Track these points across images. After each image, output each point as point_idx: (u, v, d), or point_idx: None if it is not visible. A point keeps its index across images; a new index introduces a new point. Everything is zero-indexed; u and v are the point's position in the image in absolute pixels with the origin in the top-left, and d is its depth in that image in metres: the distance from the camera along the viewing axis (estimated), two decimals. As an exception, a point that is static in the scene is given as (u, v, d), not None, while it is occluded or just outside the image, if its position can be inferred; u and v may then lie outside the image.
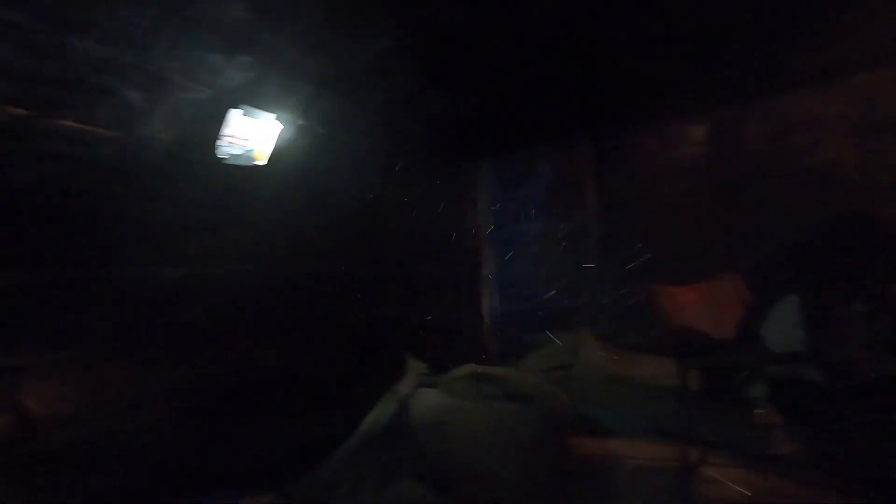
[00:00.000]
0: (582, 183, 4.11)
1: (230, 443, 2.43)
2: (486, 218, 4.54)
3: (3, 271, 1.73)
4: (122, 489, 2.02)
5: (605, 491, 2.36)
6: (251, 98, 2.28)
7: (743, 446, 2.09)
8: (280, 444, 2.58)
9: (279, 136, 2.46)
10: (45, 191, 1.79)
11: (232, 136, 2.27)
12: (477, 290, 4.44)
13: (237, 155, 2.33)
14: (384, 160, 3.41)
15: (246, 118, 2.29)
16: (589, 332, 3.66)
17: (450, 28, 2.45)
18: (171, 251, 2.28)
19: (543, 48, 2.73)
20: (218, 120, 2.20)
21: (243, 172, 2.43)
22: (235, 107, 2.23)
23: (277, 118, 2.43)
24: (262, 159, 2.45)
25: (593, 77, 3.13)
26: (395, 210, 3.61)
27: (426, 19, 2.33)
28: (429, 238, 4.01)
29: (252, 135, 2.36)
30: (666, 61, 2.93)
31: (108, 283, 2.06)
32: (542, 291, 4.28)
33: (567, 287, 4.15)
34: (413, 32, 2.42)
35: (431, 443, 2.31)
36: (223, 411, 2.43)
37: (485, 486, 2.28)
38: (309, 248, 2.92)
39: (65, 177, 1.83)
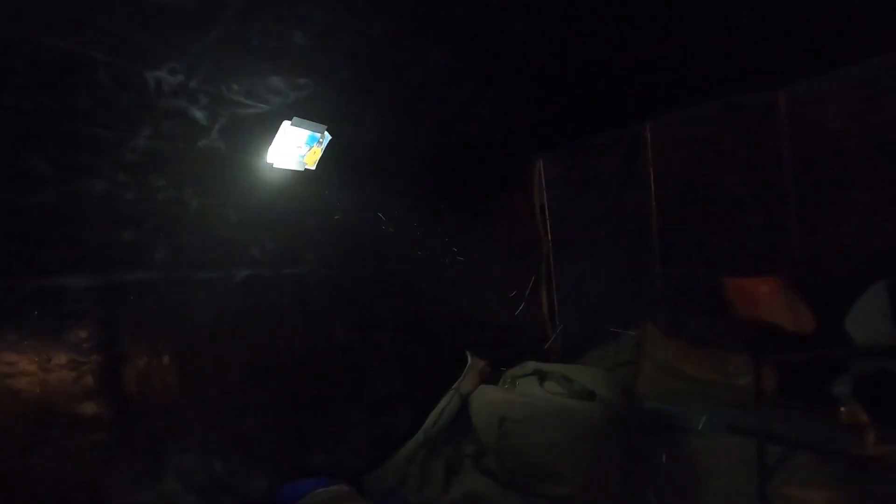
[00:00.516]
0: (645, 172, 3.97)
1: (305, 433, 2.59)
2: (547, 214, 4.51)
3: (113, 273, 1.98)
4: (208, 473, 2.22)
5: (677, 492, 2.30)
6: (304, 111, 2.43)
7: (826, 446, 1.96)
8: (351, 437, 2.72)
9: (328, 143, 2.62)
10: (123, 197, 2.00)
11: (283, 145, 2.45)
12: (538, 286, 4.42)
13: (288, 161, 2.51)
14: (440, 162, 3.49)
15: (297, 128, 2.45)
16: (655, 327, 3.56)
17: (503, 37, 2.48)
18: (236, 254, 2.47)
19: (599, 41, 2.69)
20: (271, 130, 2.37)
21: (295, 177, 2.60)
22: (288, 118, 2.39)
23: (328, 129, 2.58)
24: (312, 165, 2.62)
25: (654, 65, 3.02)
26: (454, 209, 3.68)
27: (478, 34, 2.39)
28: (488, 235, 4.06)
29: (302, 142, 2.54)
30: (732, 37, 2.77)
31: (188, 284, 2.26)
32: (604, 285, 4.19)
33: (631, 281, 4.04)
34: (465, 49, 2.49)
35: (494, 439, 2.36)
36: (296, 402, 2.59)
37: (551, 482, 2.30)
38: (368, 249, 3.05)
39: (137, 186, 2.04)
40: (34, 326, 1.73)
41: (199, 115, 2.10)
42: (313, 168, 2.63)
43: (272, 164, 2.45)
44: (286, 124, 2.39)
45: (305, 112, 2.44)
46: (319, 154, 2.62)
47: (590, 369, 2.95)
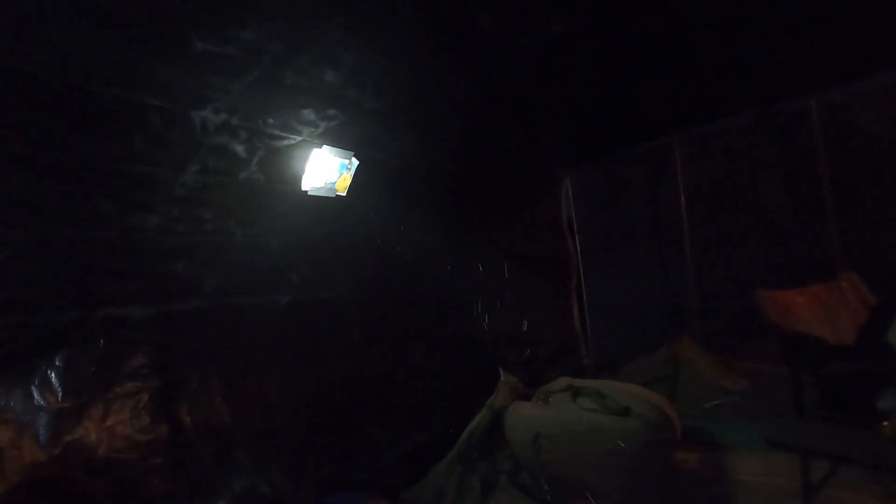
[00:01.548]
0: (675, 184, 3.95)
1: (344, 449, 2.67)
2: (575, 229, 4.53)
3: (163, 303, 2.13)
4: (253, 491, 2.31)
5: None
6: (334, 140, 2.57)
7: (871, 462, 1.90)
8: (388, 453, 2.78)
9: (357, 169, 2.74)
10: (175, 230, 2.15)
11: (315, 172, 2.58)
12: (569, 302, 4.42)
13: (320, 188, 2.64)
14: (466, 183, 3.58)
15: (328, 156, 2.58)
16: (690, 341, 3.51)
17: (526, 64, 2.57)
18: (278, 280, 2.60)
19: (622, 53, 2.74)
20: (304, 159, 2.51)
21: (327, 204, 2.72)
22: (319, 147, 2.52)
23: (356, 155, 2.70)
24: (343, 191, 2.74)
25: (684, 71, 3.04)
26: (481, 228, 3.75)
27: (501, 63, 2.49)
28: (516, 252, 4.10)
29: (334, 170, 2.66)
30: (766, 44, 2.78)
31: (235, 310, 2.39)
32: (637, 299, 4.16)
33: (664, 294, 4.00)
34: (489, 78, 2.59)
35: (529, 455, 2.38)
36: (335, 420, 2.68)
37: (588, 499, 2.30)
38: (399, 270, 3.14)
39: (187, 220, 2.19)
40: (100, 355, 1.88)
41: (239, 149, 2.25)
42: (344, 194, 2.75)
43: (307, 192, 2.58)
44: (317, 152, 2.52)
45: (335, 140, 2.57)
46: (350, 180, 2.75)
47: (624, 385, 2.93)
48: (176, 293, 2.14)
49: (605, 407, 2.66)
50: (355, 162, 2.71)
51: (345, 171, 2.71)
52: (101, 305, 1.89)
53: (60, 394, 1.75)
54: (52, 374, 1.74)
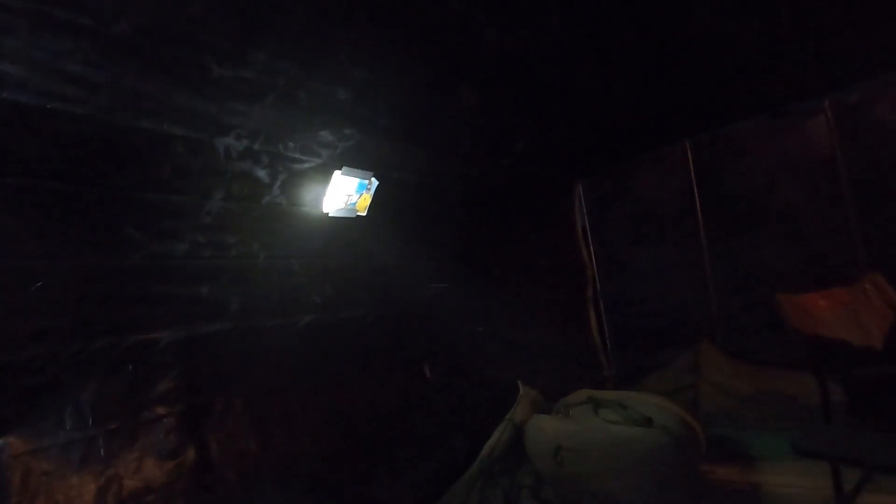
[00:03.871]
0: (690, 188, 3.92)
1: (366, 467, 2.68)
2: (589, 238, 4.52)
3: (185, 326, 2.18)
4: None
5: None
6: (352, 161, 2.62)
7: (904, 469, 1.84)
8: (410, 470, 2.78)
9: (376, 189, 2.78)
10: (201, 256, 2.20)
11: (335, 193, 2.62)
12: (586, 311, 4.39)
13: (341, 209, 2.68)
14: (478, 197, 3.61)
15: (348, 177, 2.63)
16: (712, 347, 3.45)
17: (533, 75, 2.60)
18: (301, 301, 2.64)
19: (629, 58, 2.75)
20: (324, 182, 2.56)
21: (347, 224, 2.78)
22: (338, 168, 2.57)
23: (374, 175, 2.75)
24: (363, 211, 2.78)
25: (693, 74, 3.03)
26: (494, 241, 3.77)
27: (509, 74, 2.52)
28: (536, 262, 4.10)
29: (353, 190, 2.71)
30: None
31: (258, 332, 2.44)
32: (656, 307, 4.11)
33: (683, 301, 3.95)
34: (497, 90, 2.63)
35: (550, 469, 2.36)
36: (356, 439, 2.69)
37: (612, 512, 2.27)
38: (417, 287, 3.17)
39: (215, 246, 2.25)
40: (129, 380, 1.93)
41: (262, 174, 2.31)
42: (364, 214, 2.79)
43: (327, 214, 2.62)
44: (337, 174, 2.57)
45: (353, 161, 2.62)
46: (369, 200, 2.79)
47: (646, 395, 2.89)
48: (202, 316, 2.19)
49: (628, 418, 2.63)
50: (374, 182, 2.76)
51: (364, 192, 2.76)
52: (129, 332, 1.94)
53: (91, 420, 1.80)
54: (84, 401, 1.79)
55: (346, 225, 2.77)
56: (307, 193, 2.54)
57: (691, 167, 3.91)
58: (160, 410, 2.00)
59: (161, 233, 2.03)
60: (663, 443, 2.45)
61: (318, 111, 2.31)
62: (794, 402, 2.57)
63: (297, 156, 2.41)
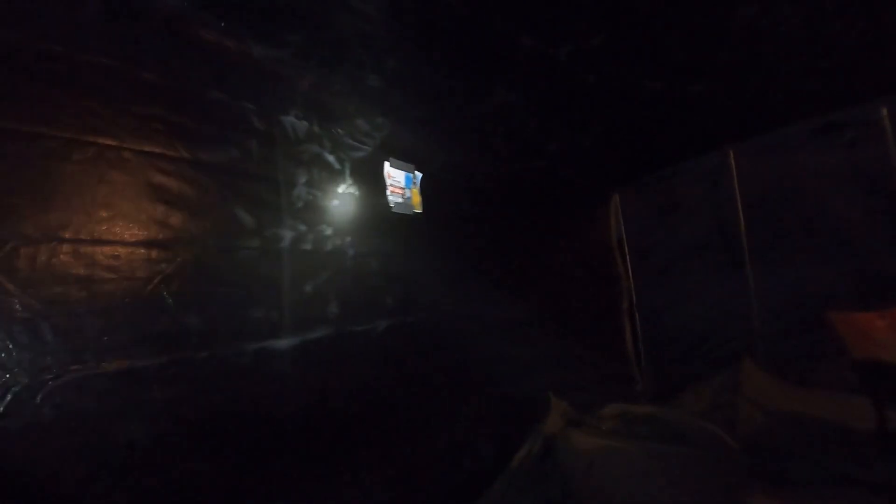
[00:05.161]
0: (733, 198, 3.77)
1: (392, 477, 2.65)
2: (626, 248, 4.41)
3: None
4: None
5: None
6: (392, 151, 2.57)
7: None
8: (443, 477, 2.75)
9: (422, 184, 2.72)
10: (303, 249, 2.10)
11: (394, 187, 2.55)
12: (621, 323, 4.28)
13: (401, 203, 2.59)
14: (514, 200, 3.57)
15: (395, 169, 2.56)
16: (754, 365, 3.30)
17: (573, 78, 2.56)
18: (379, 303, 2.49)
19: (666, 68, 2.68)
20: (379, 173, 2.50)
21: (407, 222, 2.66)
22: (387, 159, 2.52)
23: (417, 168, 2.70)
24: (418, 208, 2.69)
25: (739, 76, 2.92)
26: (531, 248, 3.71)
27: (547, 76, 2.48)
28: (570, 270, 4.02)
29: (403, 184, 2.63)
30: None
31: (349, 337, 2.29)
32: (695, 322, 3.97)
33: (724, 315, 3.80)
34: (534, 91, 2.60)
35: (581, 484, 2.30)
36: (403, 442, 2.63)
37: (644, 533, 2.18)
38: (457, 290, 3.11)
39: (314, 239, 2.17)
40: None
41: (330, 158, 2.25)
42: (420, 211, 2.70)
43: (391, 209, 2.52)
44: (387, 165, 2.50)
45: (393, 153, 2.57)
46: (419, 196, 2.70)
47: (682, 412, 2.80)
48: (310, 320, 2.07)
49: (662, 435, 2.55)
50: (418, 175, 2.68)
51: (412, 186, 2.67)
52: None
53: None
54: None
55: (406, 223, 2.65)
56: (372, 185, 2.42)
57: (735, 177, 3.76)
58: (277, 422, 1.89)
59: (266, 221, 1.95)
60: (699, 461, 2.36)
61: (350, 96, 2.29)
62: (844, 427, 2.42)
63: (350, 141, 2.33)
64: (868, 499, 2.00)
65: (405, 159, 2.67)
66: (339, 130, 2.30)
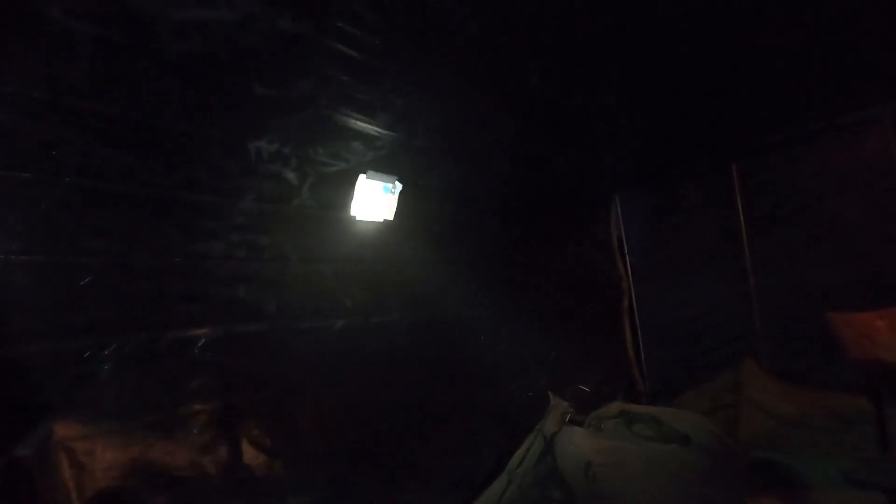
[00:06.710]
0: (733, 199, 3.77)
1: (393, 472, 2.67)
2: (626, 250, 4.41)
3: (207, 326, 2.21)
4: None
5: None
6: (380, 167, 2.64)
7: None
8: (437, 477, 2.76)
9: (400, 194, 2.79)
10: (237, 257, 2.24)
11: (363, 198, 2.63)
12: (620, 324, 4.28)
13: (367, 212, 2.68)
14: (510, 205, 3.58)
15: (371, 181, 2.64)
16: (755, 366, 3.30)
17: (575, 81, 2.59)
18: (333, 304, 2.64)
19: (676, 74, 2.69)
20: (351, 185, 2.58)
21: (376, 229, 2.78)
22: (364, 172, 2.59)
23: (399, 179, 2.75)
24: (389, 216, 2.78)
25: (740, 80, 2.94)
26: (530, 249, 3.72)
27: (547, 98, 2.52)
28: (571, 271, 4.03)
29: (379, 195, 2.71)
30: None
31: (293, 333, 2.46)
32: (695, 322, 3.97)
33: (725, 316, 3.80)
34: (535, 112, 2.63)
35: (581, 484, 2.29)
36: (383, 443, 2.68)
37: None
38: (446, 293, 3.14)
39: (250, 247, 2.29)
40: (168, 374, 1.97)
41: (290, 175, 2.35)
42: (391, 219, 2.80)
43: (355, 217, 2.64)
44: (362, 178, 2.59)
45: (380, 167, 2.65)
46: (395, 205, 2.79)
47: (683, 412, 2.79)
48: (239, 316, 2.22)
49: (663, 435, 2.54)
50: (399, 185, 2.76)
51: (389, 195, 2.76)
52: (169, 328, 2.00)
53: (132, 411, 1.85)
54: (125, 393, 1.85)
55: (374, 230, 2.78)
56: (335, 197, 2.56)
57: (735, 177, 3.77)
58: (196, 406, 2.04)
59: (198, 232, 2.08)
60: (700, 462, 2.35)
61: (353, 131, 2.36)
62: (845, 428, 2.41)
63: (325, 160, 2.45)
64: (868, 499, 1.99)
65: (397, 171, 2.73)
66: (320, 150, 2.42)
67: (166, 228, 1.99)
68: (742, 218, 3.70)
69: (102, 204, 1.79)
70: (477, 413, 3.06)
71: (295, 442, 2.37)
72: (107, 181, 1.79)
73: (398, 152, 2.62)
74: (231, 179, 2.16)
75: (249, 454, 2.21)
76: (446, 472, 2.80)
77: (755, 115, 3.40)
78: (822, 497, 2.21)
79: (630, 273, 4.35)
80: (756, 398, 3.03)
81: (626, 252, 4.37)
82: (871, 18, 2.41)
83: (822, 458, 2.41)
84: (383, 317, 2.86)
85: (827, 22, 2.45)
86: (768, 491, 2.35)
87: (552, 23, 2.19)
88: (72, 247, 1.73)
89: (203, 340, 2.08)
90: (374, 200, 2.69)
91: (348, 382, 2.60)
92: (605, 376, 3.95)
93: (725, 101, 3.20)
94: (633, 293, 4.33)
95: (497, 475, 2.61)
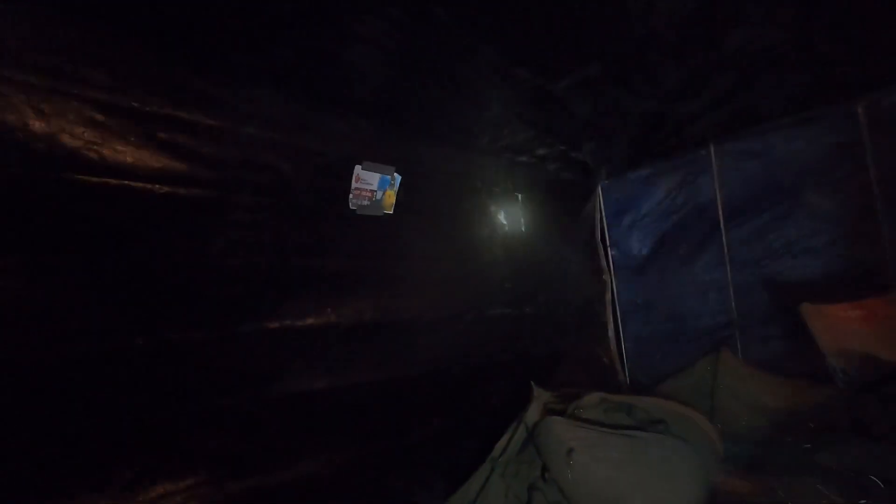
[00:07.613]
0: (712, 192, 3.82)
1: (379, 462, 2.62)
2: (608, 242, 4.44)
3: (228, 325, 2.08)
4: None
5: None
6: (375, 155, 2.56)
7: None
8: (423, 468, 2.74)
9: (399, 186, 2.70)
10: (237, 255, 2.11)
11: (359, 189, 2.53)
12: (602, 316, 4.32)
13: (366, 206, 2.57)
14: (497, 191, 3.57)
15: (368, 172, 2.53)
16: (732, 356, 3.36)
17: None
18: (332, 305, 2.47)
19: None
20: (346, 176, 2.47)
21: (377, 224, 2.66)
22: (359, 163, 2.49)
23: (397, 170, 2.68)
24: (389, 209, 2.68)
25: (718, 74, 2.94)
26: (518, 240, 3.71)
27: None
28: (554, 265, 4.03)
29: (376, 187, 2.60)
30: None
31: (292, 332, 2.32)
32: (674, 313, 4.03)
33: (703, 307, 3.86)
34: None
35: (562, 470, 2.31)
36: (371, 433, 2.61)
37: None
38: (448, 285, 3.10)
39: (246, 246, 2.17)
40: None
41: (285, 167, 2.24)
42: (391, 212, 2.68)
43: (355, 211, 2.51)
44: (358, 168, 2.48)
45: (370, 154, 2.56)
46: (394, 197, 2.68)
47: (660, 400, 2.83)
48: (236, 315, 2.10)
49: (641, 423, 2.58)
50: (398, 177, 2.67)
51: (388, 188, 2.65)
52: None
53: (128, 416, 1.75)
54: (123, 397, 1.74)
55: (375, 225, 2.65)
56: (333, 190, 2.43)
57: (714, 170, 3.81)
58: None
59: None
60: (679, 450, 2.39)
61: (338, 102, 2.27)
62: (817, 415, 2.48)
63: (317, 148, 2.34)
64: (839, 485, 2.05)
65: (386, 161, 2.63)
66: (309, 136, 2.33)
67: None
68: (720, 208, 3.75)
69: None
70: (461, 407, 3.05)
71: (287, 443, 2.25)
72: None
73: (383, 134, 2.55)
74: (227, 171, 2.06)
75: (245, 458, 2.08)
76: (432, 462, 2.79)
77: (734, 106, 3.42)
78: (794, 482, 2.26)
79: (612, 264, 4.39)
80: (732, 387, 3.09)
81: (607, 243, 4.40)
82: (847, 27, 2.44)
83: (793, 444, 2.47)
84: (397, 316, 2.79)
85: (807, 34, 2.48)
86: (742, 475, 2.40)
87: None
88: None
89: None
90: (372, 193, 2.58)
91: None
92: (589, 367, 3.99)
93: (704, 92, 3.20)
94: (614, 285, 4.38)
95: (479, 464, 2.62)
